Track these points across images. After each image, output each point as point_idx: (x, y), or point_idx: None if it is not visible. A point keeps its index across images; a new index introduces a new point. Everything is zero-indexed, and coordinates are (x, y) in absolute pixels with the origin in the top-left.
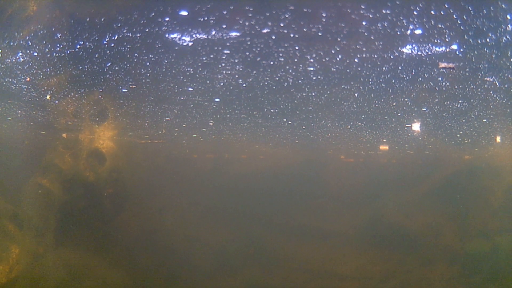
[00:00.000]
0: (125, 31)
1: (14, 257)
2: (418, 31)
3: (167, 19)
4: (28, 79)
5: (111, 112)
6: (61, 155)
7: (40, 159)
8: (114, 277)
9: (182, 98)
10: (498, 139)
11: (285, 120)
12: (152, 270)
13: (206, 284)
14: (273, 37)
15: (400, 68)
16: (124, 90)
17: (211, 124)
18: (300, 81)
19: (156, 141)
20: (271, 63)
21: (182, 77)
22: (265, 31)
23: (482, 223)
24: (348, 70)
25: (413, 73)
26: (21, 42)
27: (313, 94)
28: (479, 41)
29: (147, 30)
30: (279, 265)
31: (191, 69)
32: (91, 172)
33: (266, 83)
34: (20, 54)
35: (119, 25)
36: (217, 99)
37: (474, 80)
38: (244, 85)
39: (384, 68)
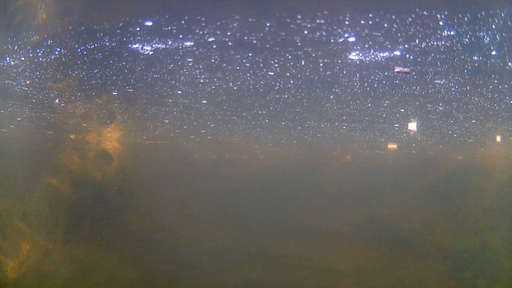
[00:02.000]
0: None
1: (25, 253)
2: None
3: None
4: (28, 82)
5: (118, 115)
6: (70, 156)
7: (50, 160)
8: (121, 272)
9: (170, 101)
10: (498, 138)
11: (266, 121)
12: (157, 265)
13: (208, 279)
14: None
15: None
16: (114, 93)
17: (212, 126)
18: (289, 85)
19: (159, 142)
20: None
21: (174, 82)
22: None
23: (473, 220)
24: (332, 74)
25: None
26: (28, 46)
27: (297, 97)
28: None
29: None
30: (278, 262)
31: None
32: (99, 172)
33: (257, 86)
34: (28, 57)
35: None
36: (204, 101)
37: (424, 83)
38: (235, 88)
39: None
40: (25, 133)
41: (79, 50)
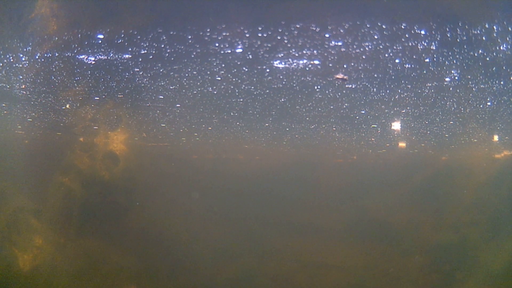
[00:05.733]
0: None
1: (38, 247)
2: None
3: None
4: (23, 86)
5: (122, 119)
6: (80, 157)
7: (60, 161)
8: (127, 263)
9: (148, 105)
10: (496, 137)
11: (238, 123)
12: (159, 257)
13: (207, 270)
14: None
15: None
16: (96, 98)
17: (210, 129)
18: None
19: (161, 144)
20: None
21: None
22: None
23: (454, 218)
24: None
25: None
26: (38, 54)
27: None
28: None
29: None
30: (272, 256)
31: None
32: (106, 171)
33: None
34: (36, 63)
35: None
36: (177, 105)
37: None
38: (215, 92)
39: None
40: (37, 135)
41: (84, 58)
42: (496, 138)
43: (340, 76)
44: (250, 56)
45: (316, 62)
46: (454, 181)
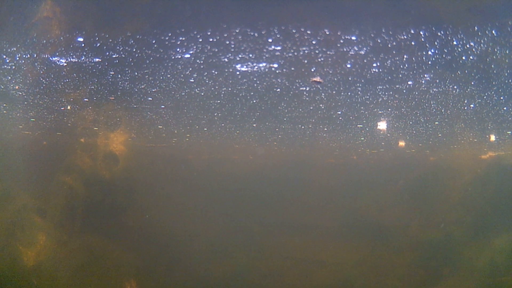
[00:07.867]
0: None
1: (42, 244)
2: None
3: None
4: (17, 87)
5: (122, 120)
6: (81, 157)
7: (62, 161)
8: (127, 259)
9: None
10: (493, 137)
11: (222, 124)
12: (157, 253)
13: (202, 267)
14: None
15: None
16: (85, 100)
17: (205, 129)
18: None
19: (159, 145)
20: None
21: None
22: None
23: (441, 216)
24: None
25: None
26: (41, 54)
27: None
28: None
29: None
30: (265, 253)
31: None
32: (107, 171)
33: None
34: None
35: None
36: (162, 106)
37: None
38: (202, 94)
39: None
40: (38, 134)
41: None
42: (483, 139)
43: (316, 79)
44: (237, 58)
45: (299, 63)
46: (442, 181)
